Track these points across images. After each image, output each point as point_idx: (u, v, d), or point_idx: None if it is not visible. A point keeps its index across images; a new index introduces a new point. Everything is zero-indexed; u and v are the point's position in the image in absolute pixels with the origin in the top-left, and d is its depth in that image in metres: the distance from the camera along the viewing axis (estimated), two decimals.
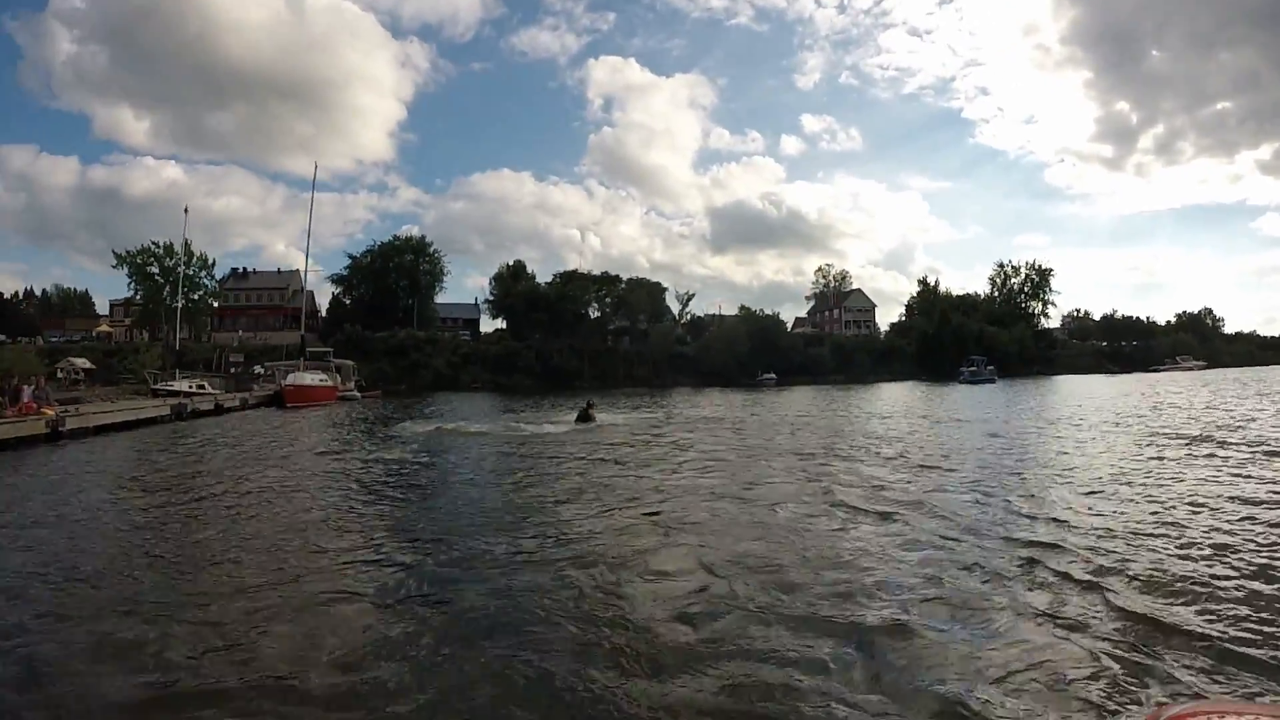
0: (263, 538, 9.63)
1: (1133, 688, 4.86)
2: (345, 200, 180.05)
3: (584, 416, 30.72)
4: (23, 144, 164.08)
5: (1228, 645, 5.47)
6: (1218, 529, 9.15)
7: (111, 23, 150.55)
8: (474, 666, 5.48)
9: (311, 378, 47.06)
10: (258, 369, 46.41)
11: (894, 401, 45.56)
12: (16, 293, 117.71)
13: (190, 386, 41.43)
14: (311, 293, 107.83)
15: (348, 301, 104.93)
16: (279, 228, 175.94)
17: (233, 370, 51.48)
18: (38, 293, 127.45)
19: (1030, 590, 6.97)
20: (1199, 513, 10.16)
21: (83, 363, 57.06)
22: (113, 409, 29.74)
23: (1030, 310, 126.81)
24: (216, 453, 19.87)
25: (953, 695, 4.84)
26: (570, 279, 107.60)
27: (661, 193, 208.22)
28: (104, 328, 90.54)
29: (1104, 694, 4.79)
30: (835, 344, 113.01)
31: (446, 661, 5.58)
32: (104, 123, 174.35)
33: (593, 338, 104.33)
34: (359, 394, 55.34)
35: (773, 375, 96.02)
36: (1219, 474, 13.36)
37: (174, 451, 20.45)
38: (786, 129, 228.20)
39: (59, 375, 54.02)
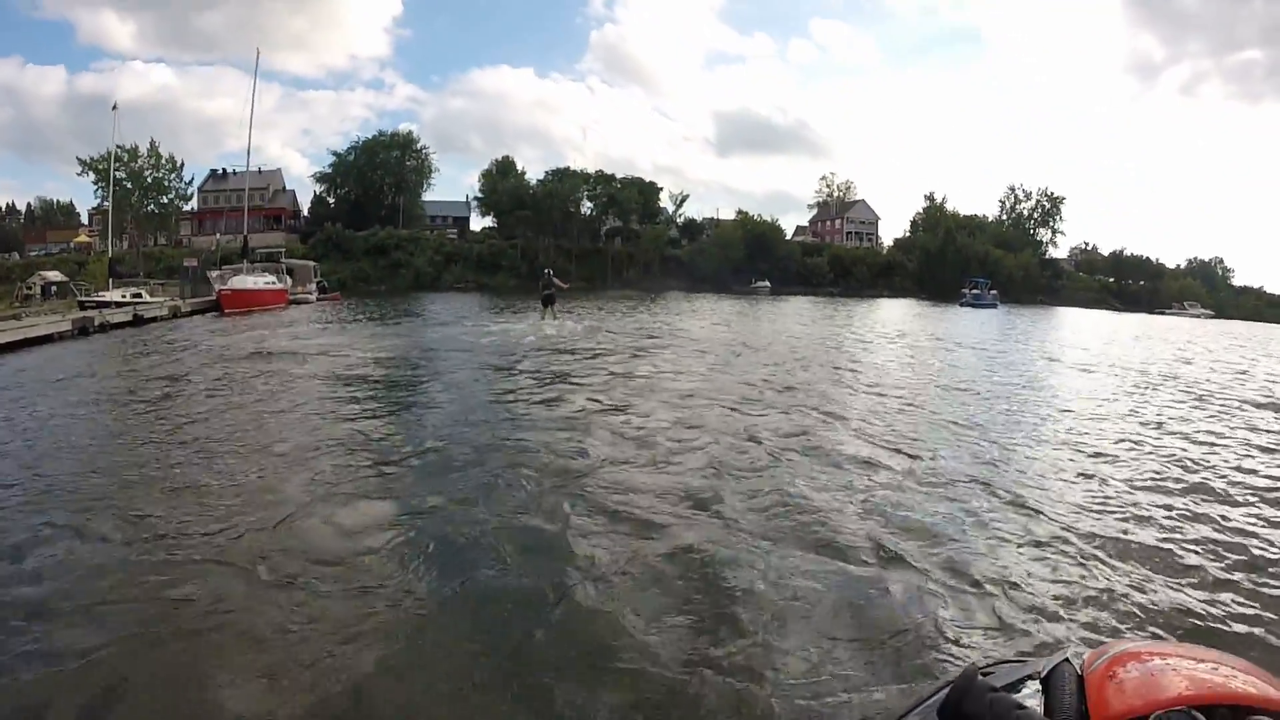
0: None
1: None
2: (341, 98, 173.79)
3: (547, 300, 29.34)
4: (7, 57, 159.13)
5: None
6: None
7: None
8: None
9: (255, 281, 44.53)
10: (213, 274, 44.10)
11: (893, 322, 43.62)
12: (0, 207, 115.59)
13: (124, 296, 39.31)
14: (294, 192, 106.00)
15: (331, 200, 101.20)
16: (274, 128, 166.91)
17: (190, 275, 49.05)
18: (21, 207, 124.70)
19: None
20: None
21: (54, 275, 54.49)
22: (6, 329, 27.51)
23: (1039, 238, 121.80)
24: (71, 383, 17.42)
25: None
26: (562, 177, 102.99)
27: (665, 93, 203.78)
28: (82, 238, 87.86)
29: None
30: (834, 255, 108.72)
31: None
32: (88, 29, 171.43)
33: (583, 237, 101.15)
34: (314, 297, 52.93)
35: (767, 283, 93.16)
36: None
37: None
38: (797, 33, 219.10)
39: (27, 290, 51.96)
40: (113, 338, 28.55)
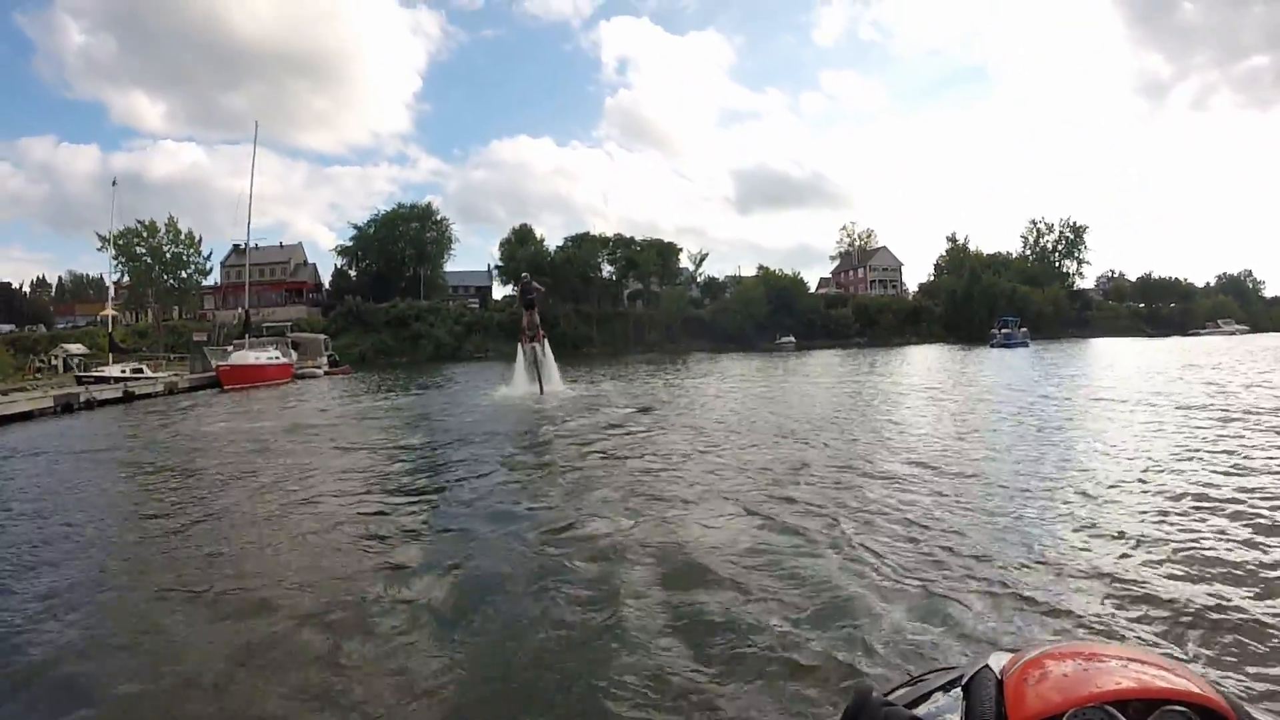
0: None
1: None
2: (367, 173, 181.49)
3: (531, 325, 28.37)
4: (42, 135, 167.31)
5: None
6: None
7: (117, 10, 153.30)
8: None
9: (256, 356, 43.70)
10: (229, 349, 43.85)
11: (923, 371, 40.88)
12: (32, 280, 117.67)
13: (124, 371, 38.92)
14: (315, 265, 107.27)
15: (353, 273, 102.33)
16: (302, 204, 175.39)
17: (201, 349, 48.83)
18: (53, 280, 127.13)
19: None
20: None
21: (77, 348, 54.73)
22: None
23: (1064, 269, 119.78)
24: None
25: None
26: (581, 242, 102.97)
27: (682, 154, 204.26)
28: (107, 311, 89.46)
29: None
30: (859, 305, 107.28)
31: None
32: (120, 109, 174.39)
33: (603, 302, 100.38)
34: (322, 371, 52.20)
35: (791, 339, 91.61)
36: None
37: None
38: (807, 86, 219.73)
39: (52, 362, 52.16)
40: (97, 415, 27.58)
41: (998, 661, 1.52)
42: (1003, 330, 78.69)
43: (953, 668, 1.71)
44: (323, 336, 62.40)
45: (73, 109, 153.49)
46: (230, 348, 44.51)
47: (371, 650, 5.81)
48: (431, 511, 10.59)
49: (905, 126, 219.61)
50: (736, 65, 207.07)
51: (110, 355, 42.03)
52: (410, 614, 6.56)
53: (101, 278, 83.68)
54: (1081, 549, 7.62)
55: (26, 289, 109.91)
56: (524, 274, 31.21)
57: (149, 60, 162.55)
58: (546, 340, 29.52)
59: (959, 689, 1.53)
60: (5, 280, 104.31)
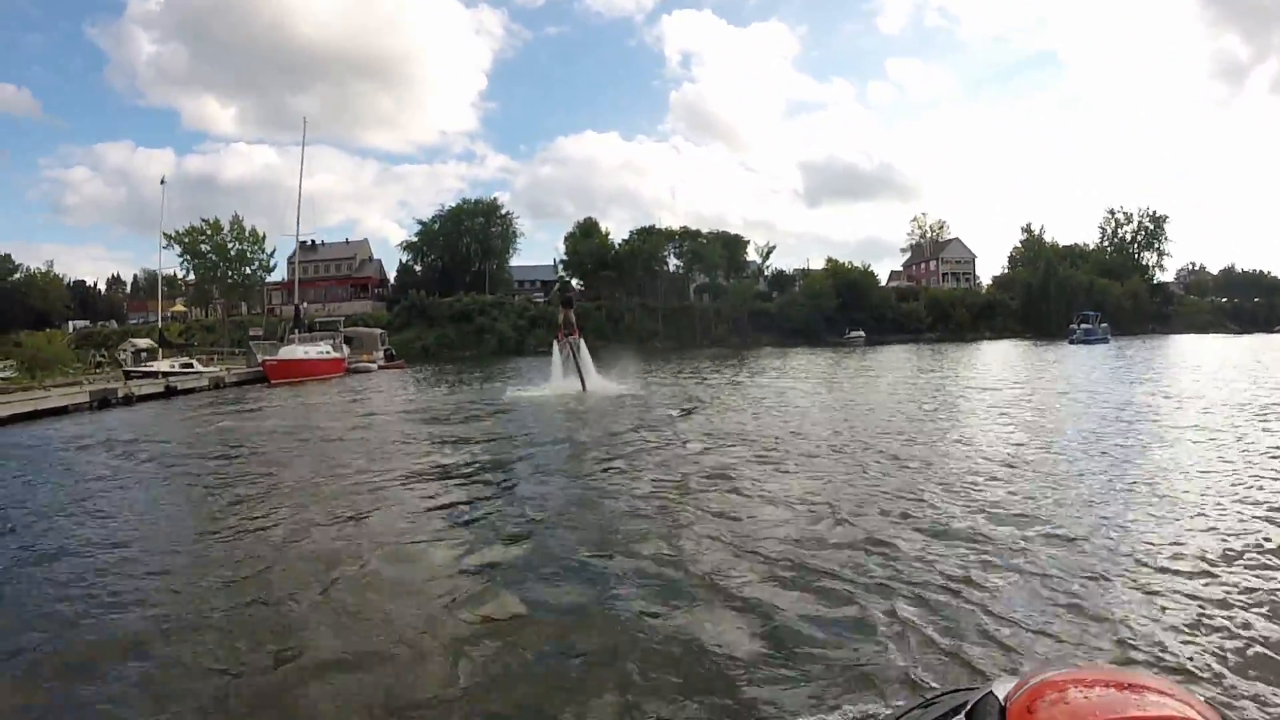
0: None
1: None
2: (435, 170, 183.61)
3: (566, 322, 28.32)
4: (118, 141, 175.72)
5: None
6: None
7: (185, 20, 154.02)
8: None
9: (305, 350, 43.79)
10: (278, 344, 44.14)
11: (1003, 370, 37.49)
12: (108, 278, 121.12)
13: (173, 366, 38.89)
14: (380, 261, 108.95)
15: (418, 268, 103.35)
16: (372, 201, 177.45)
17: (253, 344, 49.15)
18: (128, 279, 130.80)
19: None
20: None
21: (144, 342, 55.52)
22: (16, 401, 26.56)
23: (1144, 262, 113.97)
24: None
25: None
26: (647, 235, 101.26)
27: (749, 147, 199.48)
28: (178, 307, 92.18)
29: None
30: (931, 298, 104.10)
31: None
32: (191, 114, 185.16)
33: (669, 295, 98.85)
34: (376, 365, 52.18)
35: (861, 333, 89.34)
36: None
37: None
38: (873, 75, 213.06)
39: (119, 357, 52.91)
40: (133, 411, 27.15)
41: (1002, 688, 1.46)
42: (1082, 325, 74.95)
43: (966, 689, 1.67)
44: (379, 331, 62.92)
45: (146, 115, 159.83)
46: (285, 342, 44.48)
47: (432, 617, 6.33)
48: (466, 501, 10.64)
49: (975, 115, 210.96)
50: (801, 56, 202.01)
51: (160, 350, 42.13)
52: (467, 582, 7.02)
53: (175, 274, 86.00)
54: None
55: (102, 287, 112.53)
56: (562, 276, 30.70)
57: (218, 67, 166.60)
58: (582, 339, 28.90)
59: (961, 716, 1.47)
60: (80, 279, 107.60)
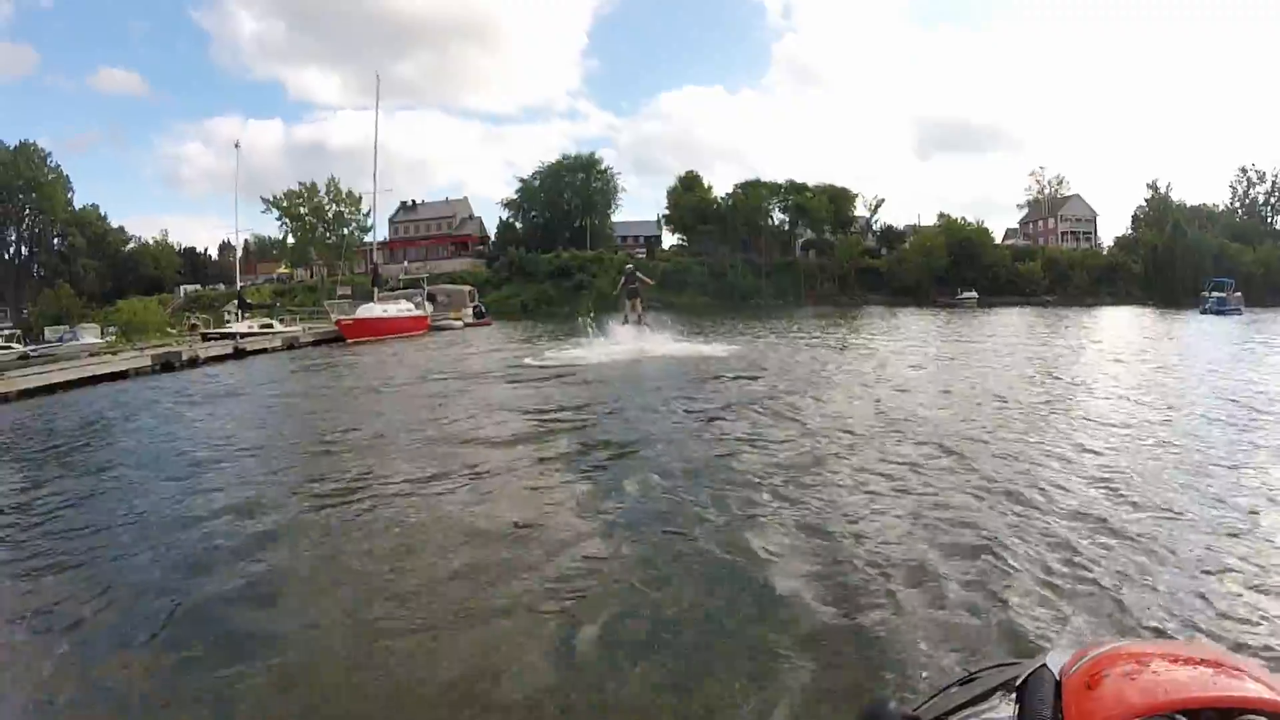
0: None
1: None
2: (539, 130, 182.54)
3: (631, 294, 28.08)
4: (229, 116, 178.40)
5: None
6: None
7: None
8: None
9: (384, 309, 43.95)
10: (328, 303, 44.97)
11: (1139, 344, 31.14)
12: (219, 244, 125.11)
13: (251, 327, 39.11)
14: (480, 219, 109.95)
15: (519, 225, 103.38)
16: (476, 163, 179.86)
17: (328, 304, 49.85)
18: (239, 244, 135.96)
19: None
20: None
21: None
22: (76, 365, 26.66)
23: (1277, 226, 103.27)
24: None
25: None
26: (750, 188, 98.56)
27: (856, 100, 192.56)
28: (283, 269, 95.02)
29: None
30: (1049, 258, 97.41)
31: None
32: (296, 86, 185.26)
33: (773, 251, 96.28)
34: (460, 323, 51.93)
35: (974, 294, 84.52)
36: None
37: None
38: (984, 25, 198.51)
39: (226, 317, 54.30)
40: (195, 373, 26.99)
41: (1056, 661, 1.38)
42: (1215, 294, 68.91)
43: (1015, 662, 1.53)
44: (467, 288, 62.90)
45: (253, 89, 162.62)
46: (370, 300, 44.61)
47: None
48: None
49: (1095, 64, 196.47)
50: (908, 6, 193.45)
51: (240, 312, 42.63)
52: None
53: (285, 238, 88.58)
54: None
55: (214, 253, 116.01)
56: (629, 265, 30.03)
57: (319, 39, 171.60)
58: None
59: (1009, 691, 1.41)
60: (191, 245, 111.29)
